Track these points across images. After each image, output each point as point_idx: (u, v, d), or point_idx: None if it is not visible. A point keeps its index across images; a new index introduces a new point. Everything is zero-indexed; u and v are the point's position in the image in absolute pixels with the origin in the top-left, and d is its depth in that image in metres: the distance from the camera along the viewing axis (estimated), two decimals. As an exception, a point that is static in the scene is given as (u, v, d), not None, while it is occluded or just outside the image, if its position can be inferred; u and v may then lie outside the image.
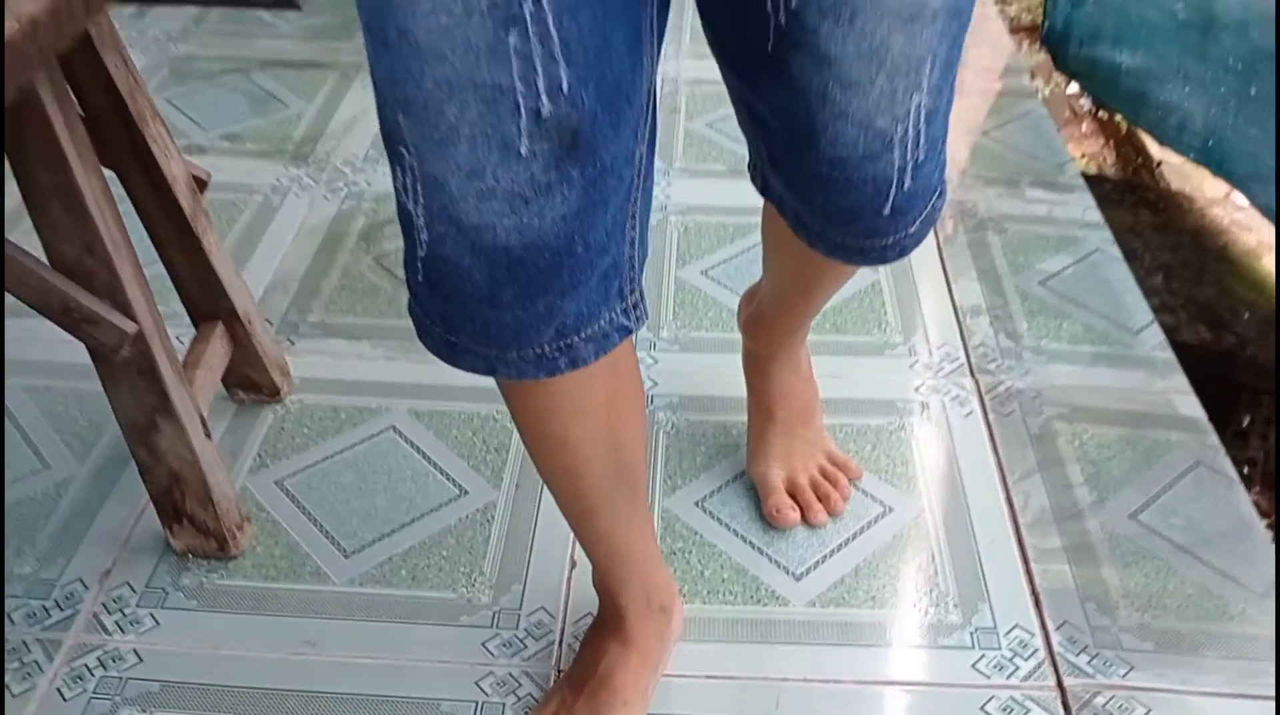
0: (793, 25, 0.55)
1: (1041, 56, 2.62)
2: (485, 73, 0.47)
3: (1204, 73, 1.85)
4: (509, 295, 0.54)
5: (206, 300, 1.00)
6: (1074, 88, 2.66)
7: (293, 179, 1.43)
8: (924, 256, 1.31)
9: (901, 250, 0.69)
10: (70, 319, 0.81)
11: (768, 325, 0.93)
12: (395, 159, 0.53)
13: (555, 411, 0.65)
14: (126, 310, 0.82)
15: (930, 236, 1.25)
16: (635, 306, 0.62)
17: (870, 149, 0.60)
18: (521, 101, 0.48)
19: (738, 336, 0.99)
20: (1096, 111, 2.56)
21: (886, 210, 0.64)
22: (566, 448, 0.67)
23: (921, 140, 0.61)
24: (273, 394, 1.09)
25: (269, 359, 1.08)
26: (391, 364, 1.15)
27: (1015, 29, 3.00)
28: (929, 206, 0.68)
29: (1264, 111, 1.69)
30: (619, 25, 0.51)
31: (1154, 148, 2.21)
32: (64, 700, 0.83)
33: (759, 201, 0.79)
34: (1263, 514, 1.66)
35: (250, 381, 1.08)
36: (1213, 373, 1.64)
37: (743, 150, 0.76)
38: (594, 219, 0.54)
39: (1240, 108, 1.77)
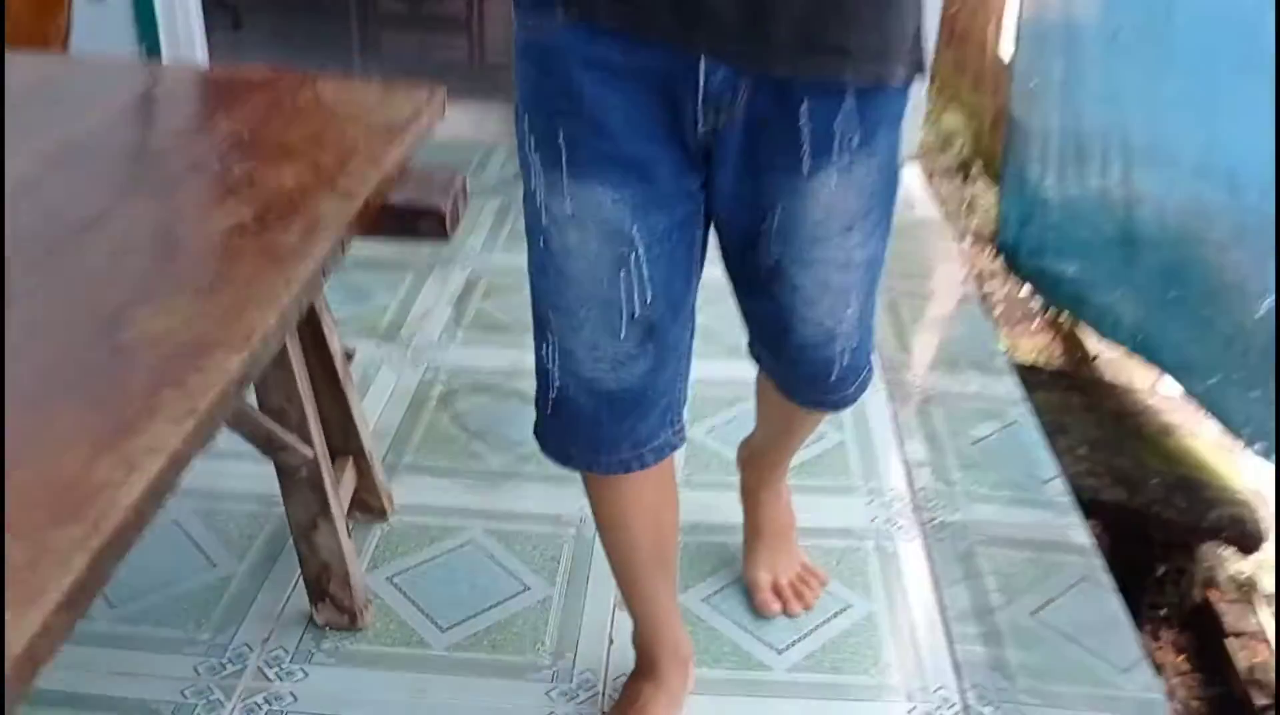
0: (777, 267, 0.93)
1: (999, 263, 3.08)
2: (605, 292, 0.85)
3: (1130, 280, 2.27)
4: (606, 419, 0.90)
5: (343, 439, 1.35)
6: (1026, 290, 3.11)
7: (384, 355, 1.81)
8: (880, 422, 1.67)
9: (846, 403, 1.06)
10: (270, 446, 1.16)
11: (758, 462, 1.29)
12: (541, 337, 0.90)
13: (622, 501, 1.00)
14: (308, 441, 1.18)
15: (886, 407, 1.62)
16: (679, 431, 0.98)
17: (821, 340, 0.97)
18: (624, 308, 0.86)
19: (735, 478, 1.34)
20: (1045, 310, 3.01)
21: (833, 378, 1.01)
22: (628, 531, 1.02)
23: (853, 336, 0.98)
24: (381, 515, 1.43)
25: (380, 488, 1.42)
26: (468, 495, 1.49)
27: (976, 238, 3.49)
28: (860, 377, 1.04)
29: (1181, 311, 2.08)
30: (679, 266, 0.89)
31: (1092, 343, 2.63)
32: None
33: (748, 375, 1.15)
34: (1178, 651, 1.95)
35: (365, 504, 1.42)
36: (1128, 529, 1.98)
37: (732, 337, 1.14)
38: (659, 375, 0.91)
39: (1162, 308, 2.17)
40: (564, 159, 0.85)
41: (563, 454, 0.96)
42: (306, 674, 1.20)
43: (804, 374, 1.01)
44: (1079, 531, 1.47)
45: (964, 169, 3.89)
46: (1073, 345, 2.77)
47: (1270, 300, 1.82)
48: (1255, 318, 1.85)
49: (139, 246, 0.90)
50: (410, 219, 1.12)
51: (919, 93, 0.90)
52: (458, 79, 3.60)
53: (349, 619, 1.25)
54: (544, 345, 0.91)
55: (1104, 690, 1.21)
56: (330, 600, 1.25)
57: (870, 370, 1.06)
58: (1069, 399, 2.24)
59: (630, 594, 1.10)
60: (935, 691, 1.20)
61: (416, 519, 1.44)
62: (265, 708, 1.15)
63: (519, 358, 1.76)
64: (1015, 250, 2.80)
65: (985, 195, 3.60)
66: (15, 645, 0.50)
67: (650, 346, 0.89)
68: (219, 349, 0.73)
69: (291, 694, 1.17)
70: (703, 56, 0.81)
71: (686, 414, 1.00)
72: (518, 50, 0.87)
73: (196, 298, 0.81)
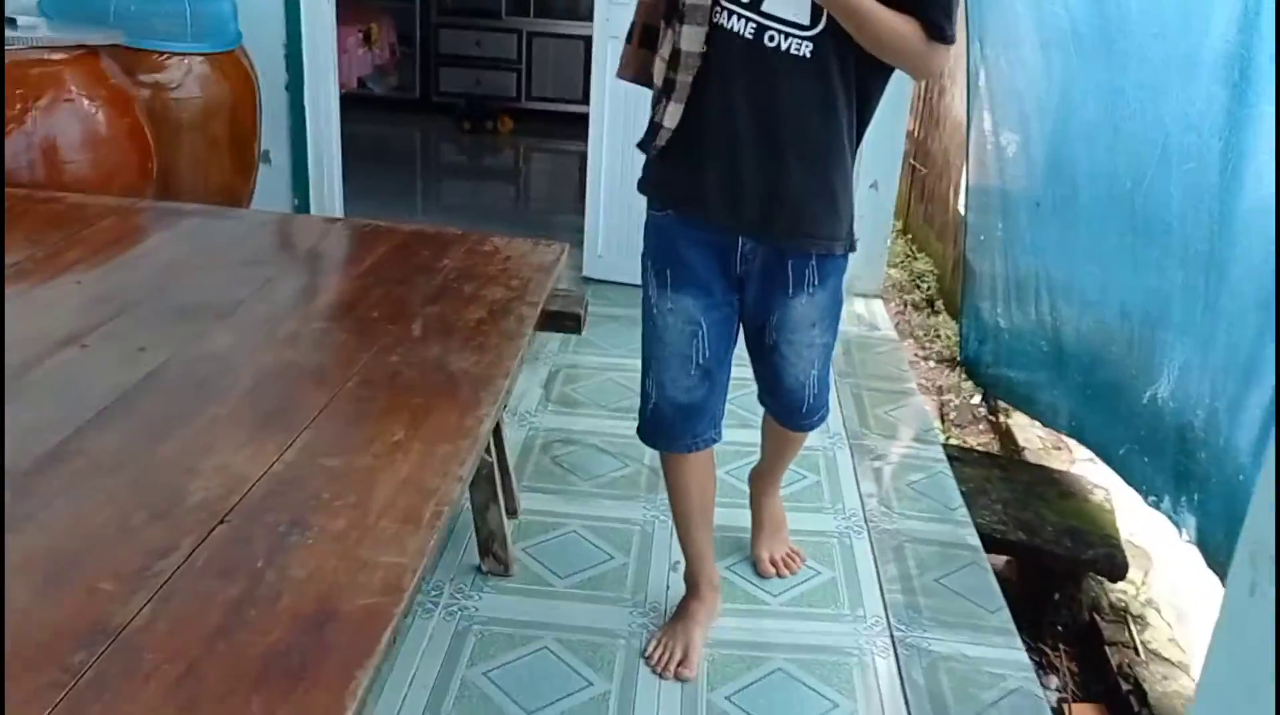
0: (774, 345, 1.71)
1: (957, 378, 3.90)
2: (684, 350, 1.64)
3: (1061, 383, 3.04)
4: (679, 421, 1.67)
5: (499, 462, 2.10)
6: (976, 399, 3.92)
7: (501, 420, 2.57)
8: (845, 469, 2.42)
9: (812, 427, 1.82)
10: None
11: (763, 477, 2.04)
12: (646, 373, 1.68)
13: (684, 472, 1.75)
14: (488, 452, 1.93)
15: (849, 460, 2.36)
16: (719, 432, 1.74)
17: (796, 387, 1.74)
18: (693, 359, 1.64)
19: (746, 501, 2.07)
20: (991, 412, 3.81)
21: (804, 410, 1.78)
22: (686, 491, 1.77)
23: (815, 386, 1.75)
24: (514, 514, 2.17)
25: (515, 496, 2.17)
26: (567, 505, 2.23)
27: (939, 359, 4.32)
28: (820, 413, 1.81)
29: (1098, 404, 2.81)
30: (724, 340, 1.68)
31: (1021, 437, 3.41)
32: (446, 621, 1.86)
33: (751, 440, 1.91)
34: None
35: (497, 557, 2.11)
36: (1028, 564, 2.70)
37: (742, 417, 1.90)
38: (710, 398, 1.68)
39: (1085, 402, 2.93)
40: (668, 281, 1.64)
41: (653, 441, 1.73)
42: (480, 598, 1.92)
43: (786, 406, 1.79)
44: (972, 537, 2.21)
45: (930, 303, 4.76)
46: (1007, 439, 3.55)
47: (1153, 389, 2.58)
48: (1143, 403, 2.60)
49: (434, 326, 1.67)
50: (560, 320, 1.91)
51: (852, 260, 1.63)
52: (503, 218, 4.48)
53: (504, 568, 1.98)
54: (647, 378, 1.68)
55: (977, 621, 1.94)
56: (493, 556, 1.98)
57: (826, 410, 1.83)
58: (992, 472, 3.00)
59: (684, 538, 1.84)
60: (871, 619, 1.92)
61: (535, 518, 2.18)
62: (458, 614, 1.88)
63: (592, 422, 2.54)
64: (975, 364, 3.59)
65: (947, 325, 4.45)
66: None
67: (706, 382, 1.67)
68: (493, 382, 1.50)
69: (474, 607, 1.90)
70: (740, 236, 1.61)
71: (723, 437, 1.77)
72: (647, 223, 1.67)
73: (469, 350, 1.58)
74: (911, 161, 5.88)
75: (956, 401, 3.95)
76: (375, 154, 5.04)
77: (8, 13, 2.46)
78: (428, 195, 5.12)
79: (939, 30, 1.46)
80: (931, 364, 4.30)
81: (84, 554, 1.06)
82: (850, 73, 1.51)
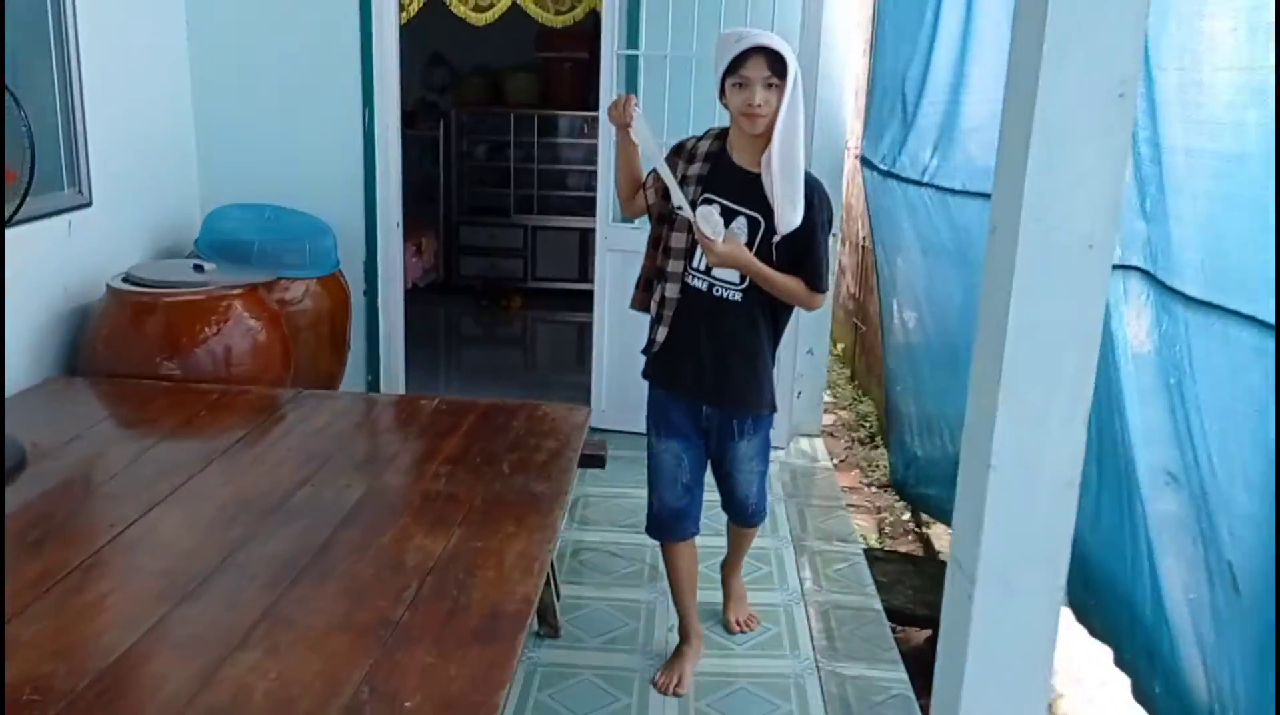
0: (727, 472, 2.72)
1: (890, 499, 4.90)
2: (672, 474, 2.65)
3: None
4: (671, 522, 2.68)
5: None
6: (906, 516, 4.92)
7: (539, 536, 3.54)
8: (789, 562, 3.39)
9: (756, 523, 2.82)
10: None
11: (728, 564, 3.01)
12: (650, 491, 2.69)
13: (676, 555, 2.74)
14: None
15: (791, 555, 3.36)
16: (698, 528, 2.73)
17: (744, 498, 2.75)
18: (679, 480, 2.65)
19: (717, 585, 3.05)
20: (916, 527, 4.81)
21: (749, 514, 2.78)
22: (677, 568, 2.76)
23: (756, 497, 2.76)
24: (555, 632, 3.11)
25: (559, 611, 3.12)
26: (596, 593, 3.19)
27: (879, 486, 5.34)
28: (760, 515, 2.81)
29: None
30: (699, 468, 2.70)
31: (939, 544, 4.38)
32: (520, 666, 2.80)
33: (718, 545, 2.90)
34: None
35: (550, 624, 3.08)
36: (928, 642, 3.65)
37: (707, 539, 2.90)
38: (693, 505, 2.69)
39: None
40: (661, 432, 2.67)
41: (656, 534, 2.72)
42: (540, 650, 2.87)
43: (737, 512, 2.79)
44: (877, 604, 3.18)
45: (872, 438, 5.80)
46: (927, 544, 4.53)
47: None
48: None
49: (516, 466, 2.66)
50: (591, 460, 2.92)
51: (777, 415, 2.68)
52: (516, 380, 5.52)
53: (555, 631, 2.93)
54: (651, 494, 2.68)
55: (875, 655, 2.89)
56: (548, 623, 2.93)
57: (764, 514, 2.82)
58: (908, 567, 3.97)
59: (678, 603, 2.80)
60: (804, 657, 2.87)
61: (571, 599, 3.14)
62: (527, 661, 2.82)
63: (605, 535, 3.52)
64: (903, 485, 4.59)
65: (885, 456, 5.48)
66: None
67: (689, 495, 2.67)
68: (559, 497, 2.50)
69: (537, 656, 2.84)
70: (704, 404, 2.63)
71: (701, 534, 2.75)
72: (649, 397, 2.70)
73: (541, 480, 2.57)
74: (855, 321, 7.03)
75: (891, 518, 4.95)
76: (415, 329, 6.11)
77: (195, 260, 3.54)
78: (457, 362, 6.19)
79: (815, 284, 2.52)
80: (873, 489, 5.31)
81: (362, 593, 2.03)
82: (766, 308, 2.57)
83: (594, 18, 4.57)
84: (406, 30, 4.39)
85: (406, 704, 1.67)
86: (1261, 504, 1.97)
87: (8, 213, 2.59)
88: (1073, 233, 1.64)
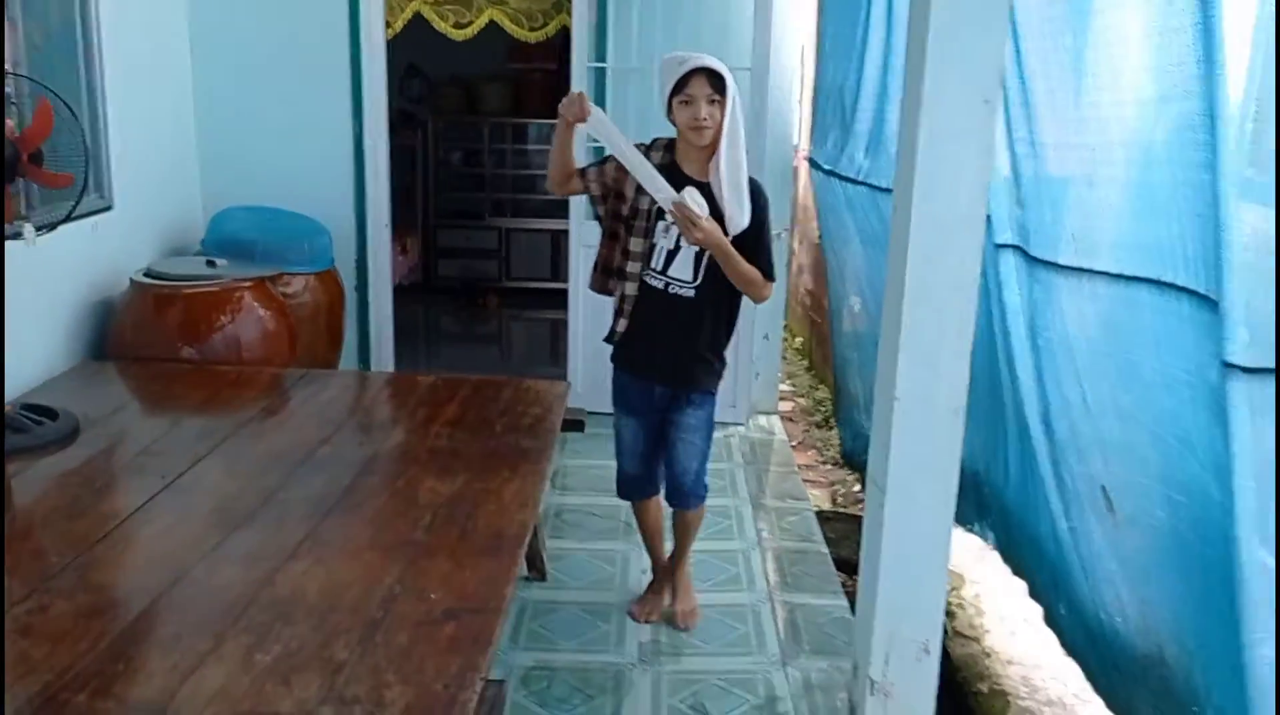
0: (672, 442, 3.06)
1: (843, 474, 5.35)
2: (632, 445, 3.05)
3: None
4: (635, 483, 3.09)
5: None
6: (857, 487, 5.36)
7: (523, 500, 3.95)
8: (748, 519, 3.82)
9: (692, 507, 3.13)
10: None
11: (675, 559, 3.36)
12: (617, 456, 3.09)
13: (643, 511, 3.15)
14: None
15: (750, 512, 3.80)
16: (658, 488, 3.13)
17: (682, 472, 3.11)
18: (637, 450, 3.05)
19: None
20: (863, 496, 5.24)
21: (685, 492, 3.13)
22: (646, 523, 3.17)
23: (692, 477, 3.10)
24: (542, 576, 3.52)
25: (546, 559, 3.53)
26: (577, 545, 3.60)
27: (834, 464, 5.79)
28: (694, 497, 3.10)
29: None
30: (654, 438, 3.07)
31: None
32: (513, 603, 3.20)
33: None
34: None
35: (538, 569, 3.49)
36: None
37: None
38: (651, 471, 3.08)
39: None
40: (625, 407, 3.08)
41: (624, 495, 3.13)
42: (531, 590, 3.27)
43: (674, 488, 3.08)
44: (823, 548, 3.61)
45: (827, 421, 6.25)
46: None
47: None
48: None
49: (508, 427, 3.07)
50: (569, 423, 3.32)
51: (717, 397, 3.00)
52: (496, 372, 5.91)
53: (542, 575, 3.34)
54: (618, 459, 3.09)
55: (821, 587, 3.32)
56: (536, 568, 3.34)
57: (699, 498, 3.11)
58: (855, 526, 4.40)
59: (648, 547, 3.22)
60: (759, 590, 3.30)
61: (555, 550, 3.54)
62: (520, 599, 3.22)
63: (584, 499, 3.93)
64: (851, 456, 5.03)
65: (839, 436, 5.92)
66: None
67: (645, 465, 3.06)
68: (546, 451, 2.91)
69: (527, 596, 3.24)
70: (657, 384, 3.03)
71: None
72: (614, 378, 3.10)
73: (530, 437, 2.98)
74: (811, 315, 7.50)
75: (843, 490, 5.41)
76: (398, 327, 6.48)
77: (208, 256, 3.92)
78: (439, 356, 6.57)
79: (766, 273, 2.94)
80: (828, 466, 5.77)
81: (386, 523, 2.43)
82: (714, 302, 2.94)
83: (564, 32, 4.98)
84: (387, 45, 4.79)
85: (432, 595, 2.08)
86: (1125, 430, 2.41)
87: (67, 212, 2.97)
88: (953, 211, 2.11)
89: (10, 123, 2.84)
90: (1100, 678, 2.83)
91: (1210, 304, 1.83)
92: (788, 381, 6.96)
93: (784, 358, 6.98)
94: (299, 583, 2.11)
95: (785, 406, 6.41)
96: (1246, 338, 1.76)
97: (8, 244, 2.91)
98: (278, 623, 1.96)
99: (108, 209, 3.84)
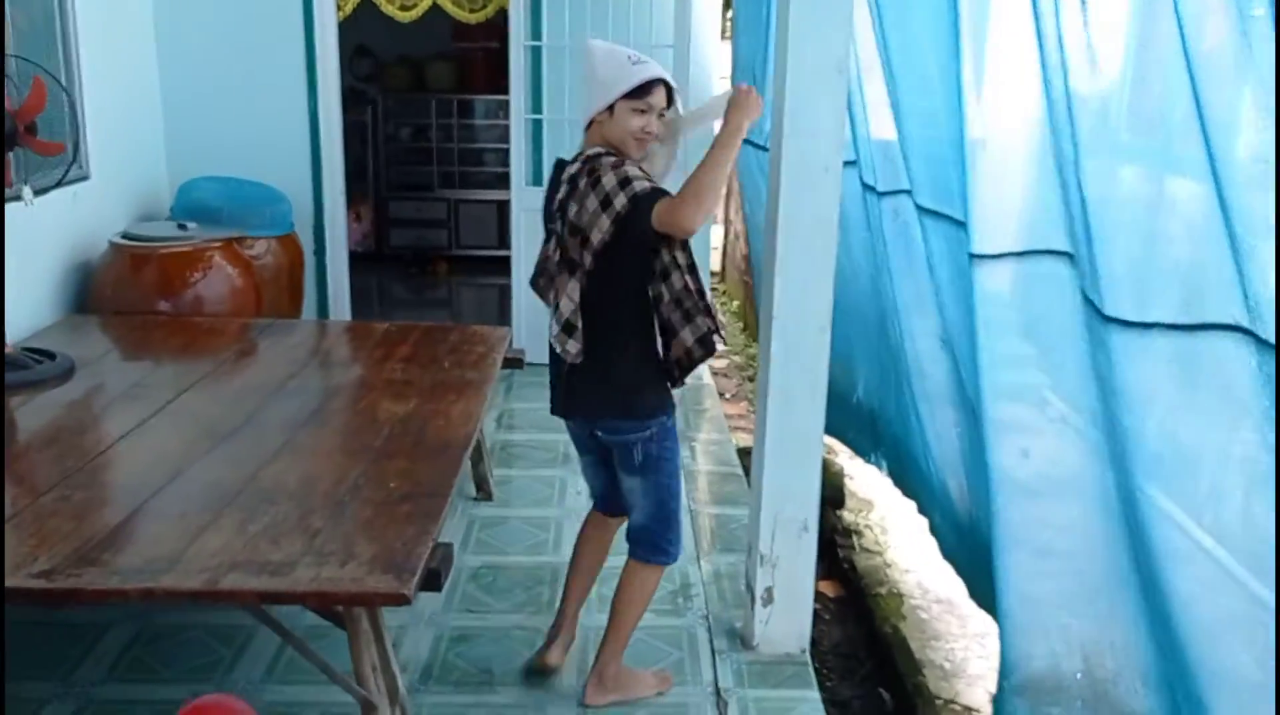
0: (620, 489, 3.44)
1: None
2: (591, 481, 2.99)
3: None
4: (598, 498, 3.37)
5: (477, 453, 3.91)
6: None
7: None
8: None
9: (637, 556, 3.14)
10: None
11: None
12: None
13: (587, 525, 3.30)
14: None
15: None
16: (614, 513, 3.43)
17: (634, 518, 3.47)
18: (594, 486, 3.22)
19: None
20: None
21: (632, 537, 3.41)
22: (580, 544, 3.36)
23: (642, 515, 3.33)
24: (489, 497, 3.95)
25: (493, 484, 3.97)
26: (524, 509, 4.05)
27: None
28: (644, 546, 2.71)
29: (837, 407, 4.74)
30: (608, 474, 3.18)
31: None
32: (463, 517, 3.64)
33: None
34: None
35: (485, 491, 3.92)
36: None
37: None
38: (609, 502, 3.17)
39: (832, 408, 4.84)
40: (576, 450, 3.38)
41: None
42: (477, 508, 3.71)
43: (629, 528, 2.67)
44: (738, 471, 4.08)
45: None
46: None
47: (855, 393, 4.53)
48: (853, 402, 4.50)
49: (455, 364, 3.50)
50: (510, 361, 3.76)
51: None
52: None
53: (488, 496, 3.78)
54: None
55: (739, 495, 3.79)
56: (483, 490, 3.77)
57: (647, 550, 2.64)
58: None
59: (566, 582, 3.64)
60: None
61: (500, 477, 3.98)
62: (468, 515, 3.66)
63: (525, 436, 4.37)
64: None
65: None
66: (488, 404, 3.12)
67: (600, 496, 3.05)
68: (486, 382, 3.34)
69: (475, 512, 3.68)
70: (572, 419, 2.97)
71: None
72: None
73: (475, 371, 3.41)
74: (745, 278, 7.98)
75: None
76: (353, 293, 6.86)
77: (180, 219, 4.30)
78: (392, 317, 6.95)
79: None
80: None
81: (351, 434, 2.87)
82: (604, 342, 2.48)
83: (504, 13, 5.36)
84: (338, 26, 5.16)
85: (391, 485, 2.51)
86: (971, 344, 2.86)
87: (60, 177, 3.34)
88: (816, 160, 2.57)
89: (8, 99, 3.20)
90: (966, 573, 3.31)
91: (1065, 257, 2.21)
92: (724, 343, 7.44)
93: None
94: (280, 477, 2.54)
95: (720, 364, 6.90)
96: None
97: (7, 206, 3.28)
98: (264, 504, 2.39)
99: (85, 179, 4.19)
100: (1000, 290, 2.48)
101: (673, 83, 2.45)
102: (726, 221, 8.98)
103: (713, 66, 5.16)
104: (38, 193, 3.54)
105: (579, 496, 3.80)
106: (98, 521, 2.29)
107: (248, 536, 2.24)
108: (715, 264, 8.99)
